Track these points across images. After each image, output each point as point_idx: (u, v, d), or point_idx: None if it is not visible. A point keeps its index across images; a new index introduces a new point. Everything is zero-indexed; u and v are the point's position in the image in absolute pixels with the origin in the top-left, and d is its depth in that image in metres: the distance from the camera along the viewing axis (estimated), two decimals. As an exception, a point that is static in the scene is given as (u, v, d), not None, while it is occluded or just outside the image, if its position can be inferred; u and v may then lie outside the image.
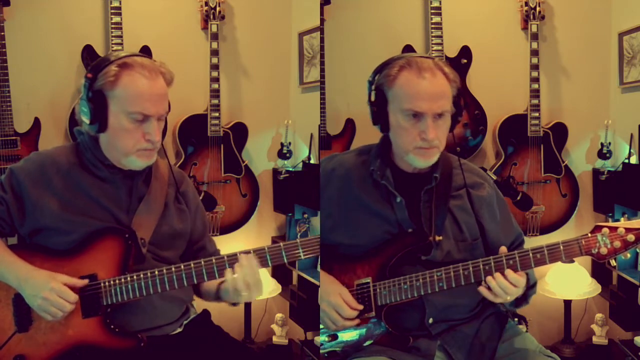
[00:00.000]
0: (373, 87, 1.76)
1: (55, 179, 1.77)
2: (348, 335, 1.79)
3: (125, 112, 1.70)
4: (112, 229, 1.75)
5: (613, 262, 1.65)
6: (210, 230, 2.72)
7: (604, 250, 1.61)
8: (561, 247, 1.63)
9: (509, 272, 1.65)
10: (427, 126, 1.69)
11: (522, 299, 1.79)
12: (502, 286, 1.65)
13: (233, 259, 1.72)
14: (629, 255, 1.61)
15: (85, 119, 1.74)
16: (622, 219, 2.87)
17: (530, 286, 1.78)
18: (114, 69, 1.70)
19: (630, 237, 1.59)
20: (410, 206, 1.78)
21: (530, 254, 1.65)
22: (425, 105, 1.68)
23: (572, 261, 3.02)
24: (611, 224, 1.61)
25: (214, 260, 1.72)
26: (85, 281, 1.70)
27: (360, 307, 1.75)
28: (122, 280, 1.71)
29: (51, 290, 1.65)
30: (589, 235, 1.63)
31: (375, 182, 1.80)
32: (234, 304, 1.88)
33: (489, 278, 1.66)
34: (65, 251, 1.73)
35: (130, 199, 1.81)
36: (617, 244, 1.60)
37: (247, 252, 1.72)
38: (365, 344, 1.78)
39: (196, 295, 1.97)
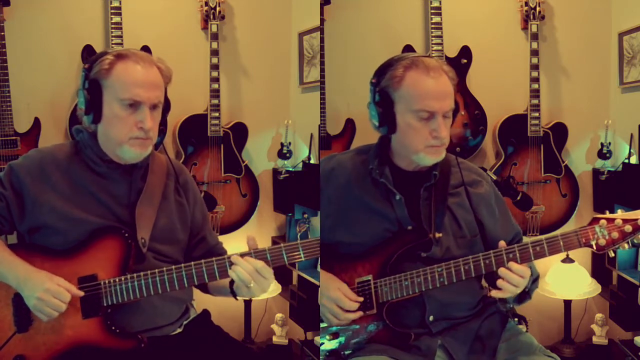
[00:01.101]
0: (377, 89, 1.76)
1: (54, 175, 1.77)
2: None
3: (117, 99, 1.72)
4: (112, 228, 1.75)
5: (611, 254, 1.66)
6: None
7: (602, 242, 1.63)
8: (560, 239, 1.65)
9: (512, 265, 1.66)
10: (438, 125, 1.71)
11: (526, 295, 1.80)
12: (510, 280, 1.66)
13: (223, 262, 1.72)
14: (626, 246, 1.63)
15: (82, 109, 1.76)
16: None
17: (533, 280, 1.79)
18: (109, 59, 1.74)
19: (628, 228, 1.61)
20: (409, 204, 1.79)
21: (530, 247, 1.67)
22: (436, 104, 1.70)
23: (572, 261, 3.03)
24: (609, 215, 1.64)
25: (214, 261, 1.72)
26: (82, 293, 1.69)
27: (360, 299, 1.75)
28: (122, 280, 1.70)
29: (46, 291, 1.65)
30: (587, 227, 1.65)
31: (374, 181, 1.81)
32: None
33: (499, 282, 1.67)
34: (64, 251, 1.73)
35: (129, 194, 1.81)
36: (615, 234, 1.62)
37: (247, 254, 1.72)
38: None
39: (203, 292, 1.97)
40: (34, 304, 1.66)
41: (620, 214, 1.63)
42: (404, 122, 1.74)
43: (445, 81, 1.73)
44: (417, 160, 1.77)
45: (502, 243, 1.70)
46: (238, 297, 1.81)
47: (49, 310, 1.66)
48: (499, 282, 1.67)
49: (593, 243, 1.64)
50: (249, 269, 1.68)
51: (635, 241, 1.62)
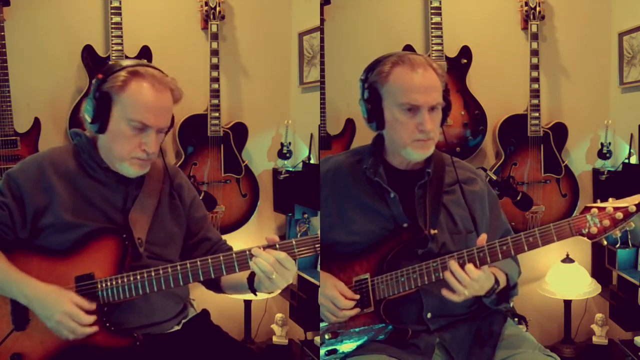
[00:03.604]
0: (366, 85, 1.78)
1: (53, 179, 1.76)
2: (347, 347, 1.79)
3: (126, 119, 1.72)
4: (109, 229, 1.75)
5: (604, 242, 1.67)
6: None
7: (594, 230, 1.63)
8: (552, 229, 1.65)
9: (468, 266, 1.66)
10: (423, 118, 1.72)
11: (503, 298, 1.81)
12: (460, 277, 1.65)
13: (229, 258, 1.72)
14: (618, 233, 1.63)
15: (88, 117, 1.76)
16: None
17: (512, 287, 1.81)
18: (124, 75, 1.72)
19: (619, 215, 1.61)
20: (404, 202, 1.80)
21: (523, 238, 1.67)
22: (420, 97, 1.72)
23: (572, 261, 3.02)
24: (600, 204, 1.64)
25: (209, 260, 1.72)
26: (93, 305, 1.68)
27: (357, 296, 1.76)
28: (119, 279, 1.70)
29: (64, 314, 1.65)
30: (579, 216, 1.65)
31: (368, 180, 1.82)
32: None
33: (446, 274, 1.66)
34: (62, 251, 1.73)
35: (125, 201, 1.82)
36: (607, 222, 1.62)
37: (242, 252, 1.73)
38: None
39: (216, 292, 1.97)
40: (53, 326, 1.67)
41: (611, 202, 1.64)
42: (391, 117, 1.76)
43: (431, 75, 1.74)
44: (405, 156, 1.78)
45: (483, 236, 1.69)
46: (258, 293, 1.80)
47: (67, 333, 1.67)
48: (446, 275, 1.66)
49: (585, 232, 1.64)
50: (270, 260, 1.67)
51: (628, 227, 1.62)
